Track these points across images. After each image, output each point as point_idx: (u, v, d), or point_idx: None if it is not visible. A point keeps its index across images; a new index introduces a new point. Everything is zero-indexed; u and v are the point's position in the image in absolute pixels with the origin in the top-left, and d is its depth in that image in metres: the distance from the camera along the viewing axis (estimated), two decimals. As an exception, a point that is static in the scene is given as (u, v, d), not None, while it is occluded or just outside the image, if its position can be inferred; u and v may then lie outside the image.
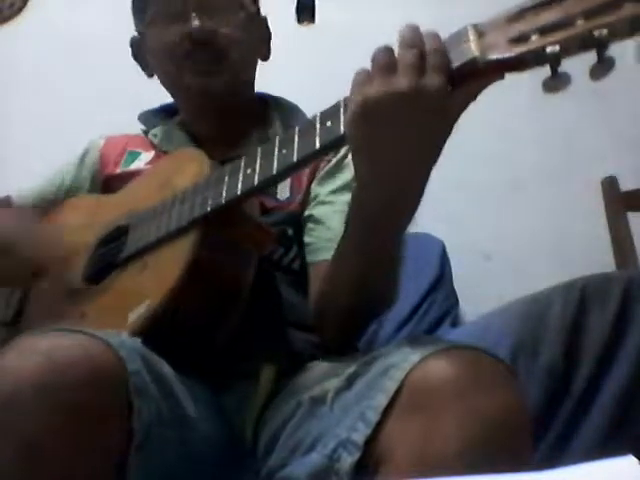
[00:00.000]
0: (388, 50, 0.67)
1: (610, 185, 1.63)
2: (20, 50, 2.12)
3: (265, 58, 1.12)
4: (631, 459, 0.42)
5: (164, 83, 1.09)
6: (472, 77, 0.64)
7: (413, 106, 0.64)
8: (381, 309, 0.87)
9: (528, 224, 1.90)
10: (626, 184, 1.64)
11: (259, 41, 1.12)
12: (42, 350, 0.61)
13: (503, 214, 1.91)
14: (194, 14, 1.00)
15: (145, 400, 0.64)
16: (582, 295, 0.96)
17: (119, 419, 0.63)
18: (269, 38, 1.14)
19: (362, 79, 0.67)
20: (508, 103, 1.78)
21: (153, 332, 0.75)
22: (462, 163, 1.83)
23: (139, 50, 1.12)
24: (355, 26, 1.97)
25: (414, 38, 0.66)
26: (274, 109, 1.11)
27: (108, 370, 0.62)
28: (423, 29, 0.67)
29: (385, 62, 0.66)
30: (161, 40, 1.03)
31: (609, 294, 0.95)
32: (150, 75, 1.12)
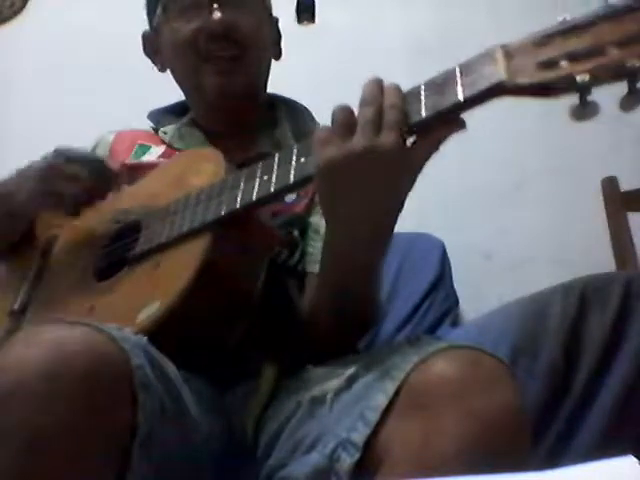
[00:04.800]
0: (346, 109, 0.69)
1: (610, 185, 1.63)
2: (20, 50, 2.12)
3: (277, 57, 1.12)
4: (631, 459, 0.42)
5: (178, 79, 1.08)
6: (432, 130, 0.66)
7: (370, 164, 0.67)
8: (363, 327, 0.88)
9: (528, 224, 1.90)
10: (626, 184, 1.64)
11: (273, 40, 1.12)
12: (47, 341, 0.61)
13: (503, 214, 1.91)
14: (215, 6, 0.99)
15: (149, 394, 0.64)
16: (582, 295, 0.96)
17: (123, 412, 0.62)
18: (279, 39, 1.14)
19: (323, 138, 0.70)
20: (509, 104, 1.78)
21: (162, 332, 0.75)
22: (462, 164, 1.83)
23: (151, 45, 1.11)
24: (356, 27, 1.98)
25: (372, 95, 0.68)
26: (282, 110, 1.12)
27: (112, 362, 0.62)
28: (386, 84, 0.69)
29: (343, 122, 0.69)
30: (179, 33, 1.02)
31: (609, 294, 0.95)
32: (162, 70, 1.11)
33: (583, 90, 0.57)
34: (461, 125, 0.66)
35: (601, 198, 1.63)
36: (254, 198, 0.79)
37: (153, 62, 1.12)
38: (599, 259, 1.57)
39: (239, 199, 0.80)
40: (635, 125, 1.89)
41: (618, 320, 0.93)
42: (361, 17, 2.02)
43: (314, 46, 1.87)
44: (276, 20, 1.13)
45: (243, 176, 0.82)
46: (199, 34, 1.00)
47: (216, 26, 0.99)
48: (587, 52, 0.57)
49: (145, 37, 1.12)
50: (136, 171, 1.04)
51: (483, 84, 0.62)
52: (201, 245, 0.81)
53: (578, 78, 0.57)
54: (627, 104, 0.56)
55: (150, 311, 0.78)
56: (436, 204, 1.73)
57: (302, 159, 0.75)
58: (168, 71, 1.11)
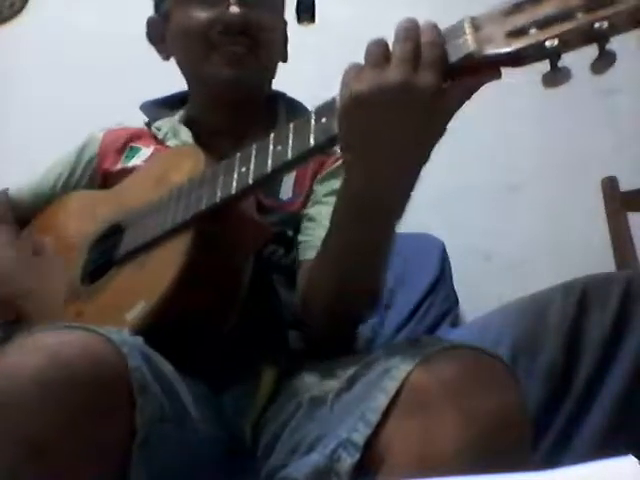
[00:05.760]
0: (381, 43, 0.65)
1: (610, 185, 1.63)
2: (20, 50, 2.12)
3: (284, 60, 1.11)
4: (631, 459, 0.42)
5: (183, 68, 1.06)
6: (468, 73, 0.62)
7: (403, 102, 0.62)
8: (362, 312, 0.86)
9: (528, 224, 1.90)
10: (626, 184, 1.64)
11: (283, 41, 1.11)
12: (44, 347, 0.61)
13: (503, 214, 1.91)
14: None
15: (147, 397, 0.64)
16: (582, 295, 0.96)
17: (121, 416, 0.62)
18: (286, 42, 1.13)
19: (353, 73, 0.65)
20: (509, 103, 1.78)
21: (151, 331, 0.75)
22: (462, 163, 1.83)
23: (157, 31, 1.08)
24: (356, 24, 1.97)
25: (409, 30, 0.64)
26: (282, 108, 1.10)
27: (110, 367, 0.62)
28: (421, 21, 0.65)
29: (377, 54, 0.64)
30: (193, 20, 1.00)
31: (609, 294, 0.95)
32: (166, 58, 1.09)
33: (553, 56, 0.57)
34: (497, 75, 0.62)
35: (601, 198, 1.63)
36: (233, 191, 0.78)
37: (157, 49, 1.10)
38: (599, 259, 1.57)
39: (219, 192, 0.79)
40: (635, 125, 1.89)
41: (618, 320, 0.93)
42: (363, 13, 2.02)
43: (315, 43, 1.87)
44: (286, 22, 1.12)
45: (222, 169, 0.81)
46: (214, 24, 0.99)
47: (233, 20, 0.98)
48: (555, 18, 0.56)
49: (150, 22, 1.10)
50: (123, 176, 1.03)
51: (453, 57, 0.62)
52: (184, 242, 0.81)
53: (547, 44, 0.56)
54: (598, 67, 0.56)
55: (137, 311, 0.78)
56: (436, 204, 1.73)
57: (278, 147, 0.74)
58: (169, 69, 1.10)
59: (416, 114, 0.63)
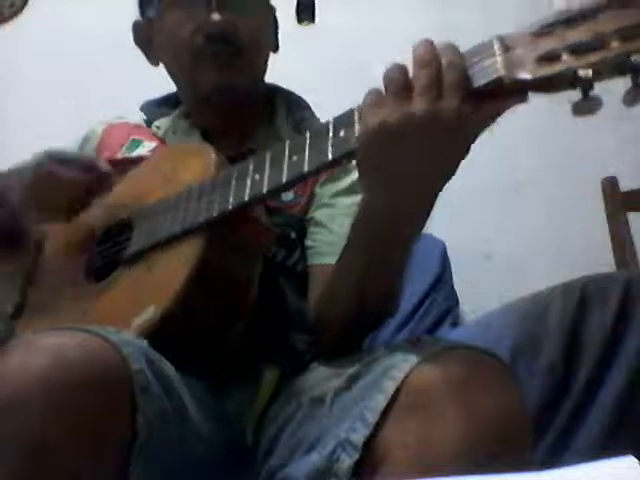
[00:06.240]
0: (401, 69, 0.64)
1: (610, 185, 1.63)
2: (20, 50, 2.12)
3: (275, 50, 1.09)
4: (631, 459, 0.42)
5: (173, 73, 1.05)
6: (495, 96, 0.60)
7: (429, 129, 0.62)
8: (381, 318, 0.86)
9: (528, 224, 1.90)
10: (626, 184, 1.64)
11: (272, 33, 1.09)
12: (46, 349, 0.61)
13: (503, 214, 1.91)
14: (214, 5, 0.96)
15: (149, 399, 0.64)
16: (582, 295, 0.96)
17: (123, 418, 0.62)
18: (277, 28, 1.11)
19: (375, 100, 0.65)
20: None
21: (158, 336, 0.74)
22: (463, 163, 1.83)
23: (143, 35, 1.07)
24: (357, 28, 1.97)
25: (429, 55, 0.62)
26: (281, 101, 1.09)
27: (111, 369, 0.62)
28: (439, 42, 0.64)
29: (399, 83, 0.63)
30: (176, 29, 0.99)
31: (609, 294, 0.95)
32: (155, 64, 1.08)
33: (586, 85, 0.54)
34: (524, 99, 0.60)
35: (601, 198, 1.63)
36: (246, 198, 0.77)
37: (145, 54, 1.09)
38: (599, 259, 1.57)
39: (231, 199, 0.79)
40: (636, 125, 1.89)
41: (618, 320, 0.93)
42: (361, 18, 2.02)
43: (314, 46, 1.86)
44: (274, 8, 1.09)
45: (234, 174, 0.80)
46: (197, 34, 0.98)
47: (214, 28, 0.97)
48: (589, 45, 0.54)
49: (136, 26, 1.08)
50: (125, 165, 1.01)
51: (481, 80, 0.60)
52: (194, 247, 0.80)
53: (581, 73, 0.54)
54: (631, 98, 0.54)
55: (146, 316, 0.78)
56: (436, 204, 1.73)
57: (294, 157, 0.74)
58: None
59: (441, 139, 0.63)
